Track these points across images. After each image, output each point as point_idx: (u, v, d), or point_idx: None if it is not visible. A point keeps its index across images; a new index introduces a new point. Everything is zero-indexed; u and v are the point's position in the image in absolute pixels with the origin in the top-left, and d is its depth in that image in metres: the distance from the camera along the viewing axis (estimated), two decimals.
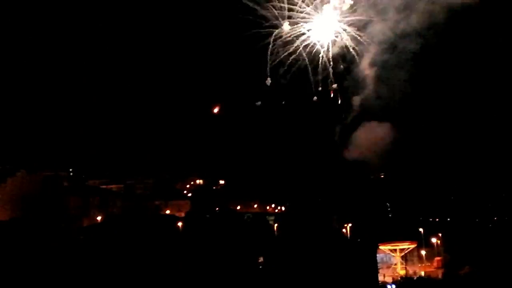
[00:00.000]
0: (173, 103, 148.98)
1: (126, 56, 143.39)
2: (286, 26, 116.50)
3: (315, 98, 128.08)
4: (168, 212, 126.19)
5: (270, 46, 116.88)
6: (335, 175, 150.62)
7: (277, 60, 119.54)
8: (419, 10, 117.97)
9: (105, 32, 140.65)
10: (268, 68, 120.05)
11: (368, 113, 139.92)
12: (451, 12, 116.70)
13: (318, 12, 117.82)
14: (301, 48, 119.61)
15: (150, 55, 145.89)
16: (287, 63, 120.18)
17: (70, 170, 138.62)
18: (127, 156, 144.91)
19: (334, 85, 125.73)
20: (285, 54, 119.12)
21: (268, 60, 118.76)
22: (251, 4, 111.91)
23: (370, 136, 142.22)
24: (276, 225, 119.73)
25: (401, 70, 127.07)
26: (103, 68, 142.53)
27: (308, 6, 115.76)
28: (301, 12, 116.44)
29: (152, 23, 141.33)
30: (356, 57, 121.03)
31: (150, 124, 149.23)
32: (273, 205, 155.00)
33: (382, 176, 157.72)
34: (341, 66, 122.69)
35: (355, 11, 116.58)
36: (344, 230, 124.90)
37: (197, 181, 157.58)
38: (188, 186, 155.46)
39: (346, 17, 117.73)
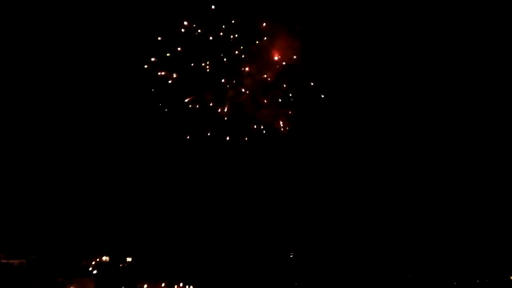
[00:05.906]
0: (81, 175, 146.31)
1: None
2: None
3: None
4: None
5: None
6: (243, 253, 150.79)
7: None
8: None
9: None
10: None
11: None
12: None
13: None
14: None
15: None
16: None
17: None
18: (30, 230, 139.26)
19: None
20: None
21: None
22: None
23: None
24: None
25: None
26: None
27: None
28: None
29: None
30: None
31: (54, 197, 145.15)
32: (181, 284, 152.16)
33: (291, 256, 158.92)
34: None
35: None
36: None
37: (103, 258, 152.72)
38: (93, 262, 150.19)
39: None
